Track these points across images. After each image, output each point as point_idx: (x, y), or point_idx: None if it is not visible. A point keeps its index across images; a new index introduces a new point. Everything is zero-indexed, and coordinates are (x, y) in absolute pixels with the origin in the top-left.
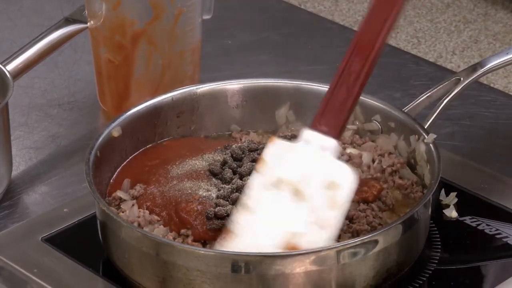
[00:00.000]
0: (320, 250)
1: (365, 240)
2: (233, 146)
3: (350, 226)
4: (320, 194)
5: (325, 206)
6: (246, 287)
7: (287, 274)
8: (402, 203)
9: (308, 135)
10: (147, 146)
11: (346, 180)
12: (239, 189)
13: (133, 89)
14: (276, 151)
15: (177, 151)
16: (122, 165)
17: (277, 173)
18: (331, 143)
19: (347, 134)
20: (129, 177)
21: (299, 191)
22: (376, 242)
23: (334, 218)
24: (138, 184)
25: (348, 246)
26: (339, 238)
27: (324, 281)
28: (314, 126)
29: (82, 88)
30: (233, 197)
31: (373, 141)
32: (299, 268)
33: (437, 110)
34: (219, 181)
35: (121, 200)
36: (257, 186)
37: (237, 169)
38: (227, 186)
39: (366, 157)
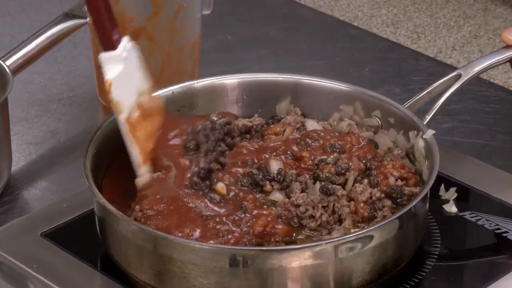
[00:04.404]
0: (316, 245)
1: (360, 235)
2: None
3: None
4: None
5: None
6: (241, 281)
7: (284, 268)
8: None
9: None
10: None
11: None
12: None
13: None
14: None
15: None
16: (121, 159)
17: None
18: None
19: (344, 124)
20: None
21: None
22: (371, 237)
23: None
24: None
25: (344, 241)
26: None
27: (320, 275)
28: (111, 46)
29: (81, 83)
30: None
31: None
32: (295, 262)
33: (437, 105)
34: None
35: None
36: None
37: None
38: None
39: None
